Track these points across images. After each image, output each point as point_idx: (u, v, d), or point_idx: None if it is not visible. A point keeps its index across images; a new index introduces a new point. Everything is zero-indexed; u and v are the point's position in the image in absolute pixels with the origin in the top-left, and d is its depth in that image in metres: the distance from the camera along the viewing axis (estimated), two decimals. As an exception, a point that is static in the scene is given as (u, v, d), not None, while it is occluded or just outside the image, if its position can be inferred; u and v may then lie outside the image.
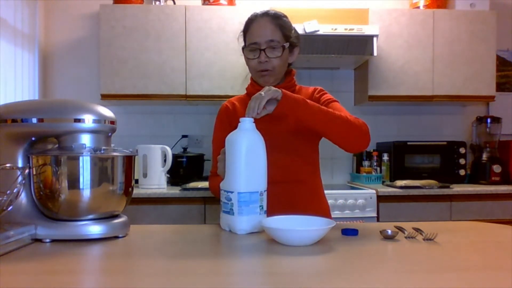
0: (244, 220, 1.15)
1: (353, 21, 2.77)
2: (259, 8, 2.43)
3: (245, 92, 1.57)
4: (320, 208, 1.46)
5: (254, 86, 1.50)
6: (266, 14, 1.43)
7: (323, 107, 1.34)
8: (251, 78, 1.53)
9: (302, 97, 1.29)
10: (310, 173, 1.48)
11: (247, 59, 1.46)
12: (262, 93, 1.23)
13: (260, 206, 1.17)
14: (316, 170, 1.50)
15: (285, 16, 1.46)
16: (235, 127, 1.42)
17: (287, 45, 1.43)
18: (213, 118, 1.58)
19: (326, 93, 1.51)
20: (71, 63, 3.11)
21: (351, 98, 3.23)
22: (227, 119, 1.50)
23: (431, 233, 1.08)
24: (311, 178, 1.47)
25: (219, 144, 1.44)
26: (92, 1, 3.09)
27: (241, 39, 1.51)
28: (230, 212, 1.16)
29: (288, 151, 1.42)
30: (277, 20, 1.43)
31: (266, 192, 1.20)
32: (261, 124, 1.40)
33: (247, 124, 1.19)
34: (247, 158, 1.16)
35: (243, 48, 1.49)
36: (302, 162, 1.44)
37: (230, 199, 1.16)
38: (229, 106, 1.54)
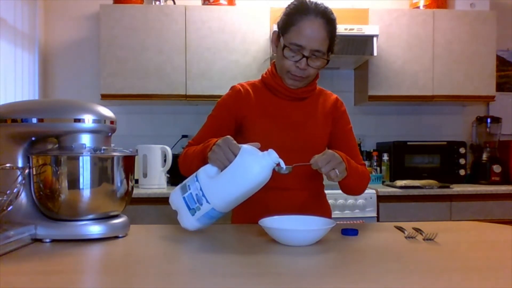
0: (197, 226, 1.13)
1: (353, 21, 2.77)
2: (259, 9, 2.43)
3: (260, 78, 1.46)
4: (325, 214, 1.44)
5: (275, 79, 1.38)
6: (321, 15, 1.28)
7: (359, 168, 1.33)
8: (273, 67, 1.41)
9: (355, 166, 1.28)
10: (315, 182, 1.45)
11: (283, 57, 1.31)
12: (338, 168, 1.16)
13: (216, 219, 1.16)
14: (320, 178, 1.47)
15: (335, 19, 1.33)
16: (242, 114, 1.37)
17: (330, 57, 1.34)
18: (213, 118, 1.57)
19: (347, 113, 1.46)
20: (71, 63, 3.11)
21: (351, 98, 3.23)
22: (235, 104, 1.38)
23: (431, 233, 1.08)
24: (315, 187, 1.45)
25: (215, 121, 1.38)
26: (92, 1, 3.09)
27: (277, 20, 1.38)
28: (191, 210, 1.11)
29: (299, 157, 1.37)
30: (330, 26, 1.30)
31: None
32: (275, 132, 1.36)
33: (273, 160, 1.08)
34: (247, 191, 1.10)
35: (278, 36, 1.36)
36: (311, 171, 1.41)
37: (201, 204, 1.09)
38: (242, 90, 1.40)
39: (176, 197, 1.15)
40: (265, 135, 1.34)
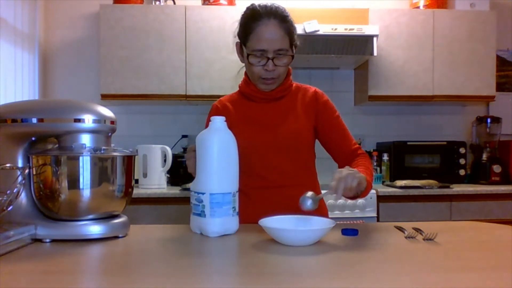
0: (216, 222, 1.10)
1: (353, 21, 2.77)
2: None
3: (238, 89, 1.50)
4: (320, 211, 1.45)
5: (250, 86, 1.43)
6: (273, 16, 1.31)
7: (369, 173, 1.31)
8: (246, 75, 1.45)
9: (369, 179, 1.26)
10: (309, 176, 1.46)
11: (250, 65, 1.36)
12: (353, 180, 1.14)
13: (232, 207, 1.13)
14: (313, 173, 1.49)
15: (289, 15, 1.36)
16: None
17: (294, 51, 1.38)
18: (213, 118, 1.57)
19: (330, 102, 1.46)
20: (71, 63, 3.11)
21: (351, 98, 3.23)
22: None
23: (431, 233, 1.08)
24: (309, 181, 1.46)
25: None
26: (92, 1, 3.09)
27: (235, 31, 1.41)
28: (201, 214, 1.11)
29: (288, 155, 1.40)
30: (285, 23, 1.33)
31: (238, 193, 1.16)
32: (257, 135, 1.39)
33: (218, 123, 1.15)
34: (219, 158, 1.12)
35: (240, 46, 1.39)
36: (301, 166, 1.43)
37: (202, 201, 1.11)
38: (219, 107, 1.46)
39: (191, 220, 1.17)
40: (249, 140, 1.37)
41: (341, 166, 1.46)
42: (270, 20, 1.31)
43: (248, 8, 1.37)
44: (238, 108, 1.44)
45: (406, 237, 1.09)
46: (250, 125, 1.41)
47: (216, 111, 1.46)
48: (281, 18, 1.32)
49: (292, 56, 1.37)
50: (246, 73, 1.45)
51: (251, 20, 1.33)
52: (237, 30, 1.41)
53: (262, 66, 1.34)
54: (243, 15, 1.38)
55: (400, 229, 1.17)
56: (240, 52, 1.42)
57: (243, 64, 1.45)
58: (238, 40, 1.41)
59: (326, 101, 1.46)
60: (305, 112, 1.43)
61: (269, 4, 1.35)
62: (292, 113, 1.42)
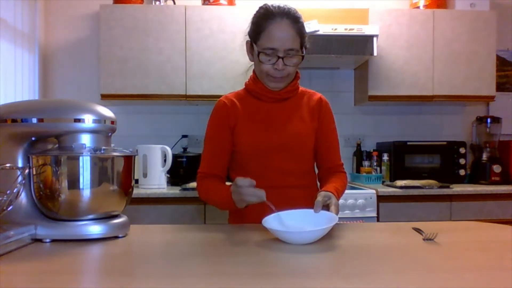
0: None
1: (353, 21, 2.77)
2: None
3: (243, 87, 1.50)
4: None
5: (257, 84, 1.42)
6: (286, 16, 1.32)
7: (340, 190, 1.37)
8: (254, 73, 1.45)
9: (337, 195, 1.30)
10: (310, 178, 1.48)
11: (260, 62, 1.36)
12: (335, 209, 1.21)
13: None
14: (314, 175, 1.51)
15: (301, 16, 1.37)
16: (234, 123, 1.41)
17: (304, 52, 1.38)
18: (213, 118, 1.57)
19: (332, 113, 1.50)
20: (71, 63, 3.11)
21: (351, 98, 3.23)
22: (225, 117, 1.42)
23: (431, 233, 1.08)
24: (309, 182, 1.48)
25: (215, 143, 1.43)
26: (92, 1, 3.08)
27: (246, 30, 1.42)
28: None
29: (291, 156, 1.41)
30: (297, 24, 1.34)
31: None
32: (263, 134, 1.40)
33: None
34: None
35: (251, 45, 1.40)
36: (303, 167, 1.44)
37: None
38: (227, 103, 1.44)
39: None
40: (253, 138, 1.39)
41: (320, 174, 1.51)
42: (283, 20, 1.32)
43: (261, 8, 1.38)
44: (245, 105, 1.44)
45: (424, 239, 1.07)
46: (256, 123, 1.41)
47: (224, 108, 1.43)
48: (293, 18, 1.34)
49: (302, 57, 1.38)
50: (254, 72, 1.45)
51: (264, 18, 1.34)
52: (248, 29, 1.41)
53: (272, 64, 1.34)
54: (255, 14, 1.39)
55: (418, 230, 1.15)
56: (250, 51, 1.42)
57: (251, 64, 1.45)
58: (249, 39, 1.42)
59: (329, 111, 1.49)
60: (310, 114, 1.45)
61: (282, 5, 1.36)
62: (297, 115, 1.43)
